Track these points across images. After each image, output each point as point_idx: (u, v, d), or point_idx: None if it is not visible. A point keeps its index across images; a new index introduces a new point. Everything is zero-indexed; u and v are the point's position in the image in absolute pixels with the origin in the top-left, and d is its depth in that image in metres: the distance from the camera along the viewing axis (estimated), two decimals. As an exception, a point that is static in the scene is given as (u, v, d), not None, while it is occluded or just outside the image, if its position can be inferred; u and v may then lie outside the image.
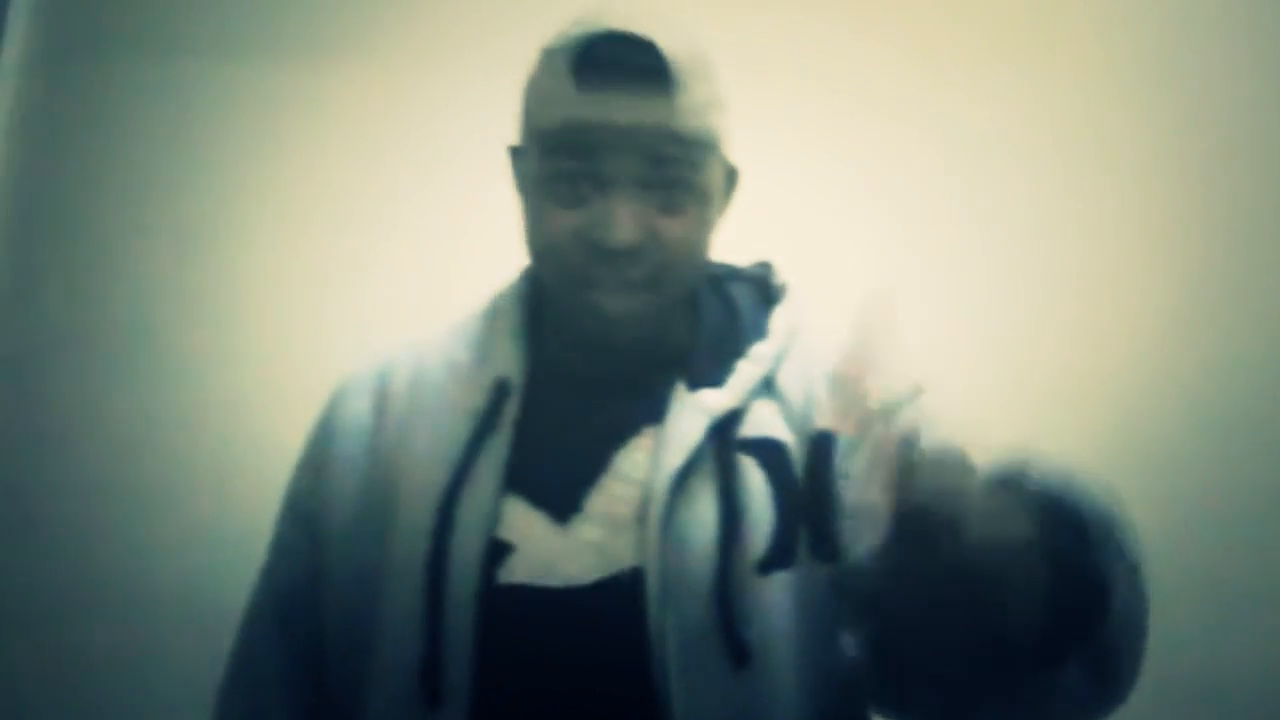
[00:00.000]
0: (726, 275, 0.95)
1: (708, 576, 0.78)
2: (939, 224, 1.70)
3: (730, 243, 0.96)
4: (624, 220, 0.80)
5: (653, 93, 0.81)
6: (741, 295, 0.95)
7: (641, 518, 0.80)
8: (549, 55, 0.85)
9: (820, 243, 1.65)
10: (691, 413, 0.84)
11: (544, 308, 0.91)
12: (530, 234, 0.87)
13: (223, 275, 1.62)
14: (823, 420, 0.87)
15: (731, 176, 0.91)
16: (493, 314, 0.93)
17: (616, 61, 0.81)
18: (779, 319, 0.92)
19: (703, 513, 0.80)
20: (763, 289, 0.96)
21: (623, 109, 0.81)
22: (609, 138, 0.81)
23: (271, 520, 0.91)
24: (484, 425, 0.83)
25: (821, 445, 0.84)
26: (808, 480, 0.84)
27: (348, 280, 1.63)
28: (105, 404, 1.56)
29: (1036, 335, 1.67)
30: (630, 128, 0.81)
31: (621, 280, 0.82)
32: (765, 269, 0.97)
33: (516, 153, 0.91)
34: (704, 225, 0.86)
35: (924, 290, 1.69)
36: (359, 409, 0.90)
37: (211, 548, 1.48)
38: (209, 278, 1.62)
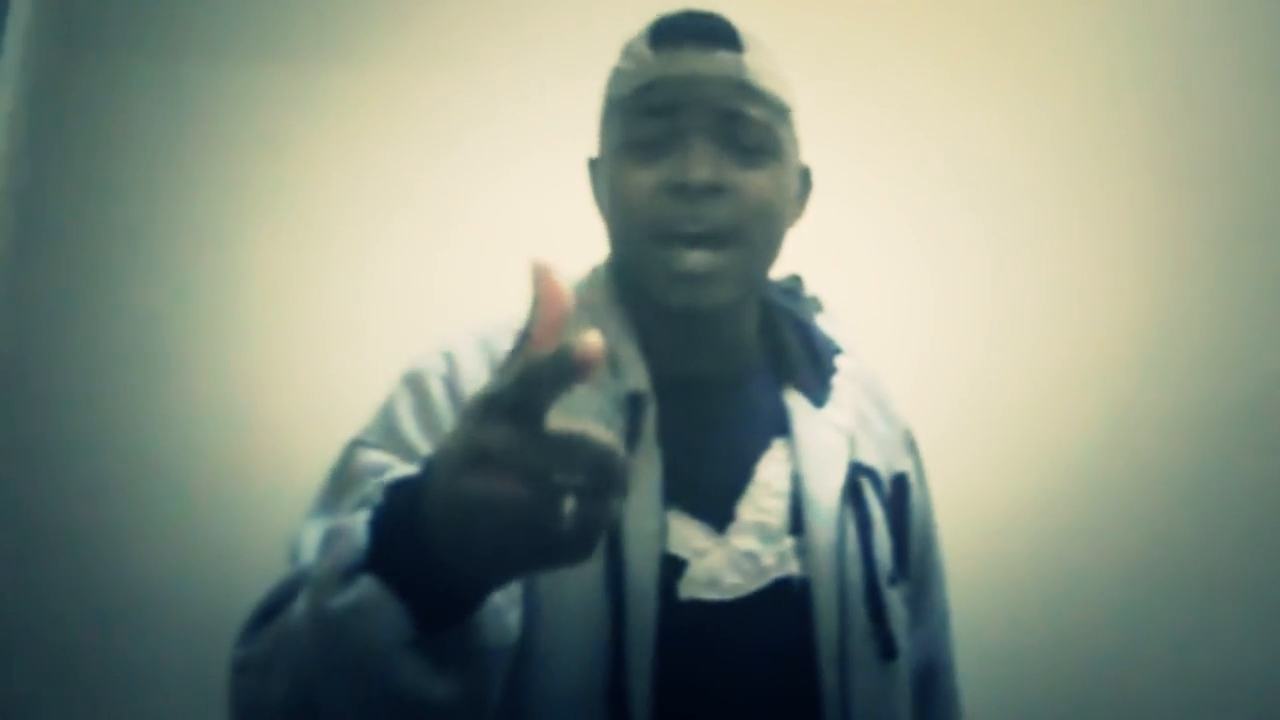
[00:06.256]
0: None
1: (860, 582, 0.84)
2: (939, 223, 1.71)
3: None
4: (702, 159, 0.83)
5: (723, 50, 0.85)
6: (789, 302, 0.99)
7: (797, 528, 0.84)
8: (627, 43, 0.90)
9: (823, 243, 1.66)
10: (826, 429, 0.90)
11: (638, 309, 0.90)
12: (613, 204, 0.88)
13: (226, 274, 1.62)
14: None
15: (806, 178, 0.94)
16: (584, 318, 0.87)
17: (688, 27, 0.87)
18: (836, 330, 0.98)
19: (848, 524, 0.86)
20: (800, 299, 1.00)
21: (695, 62, 0.85)
22: (684, 92, 0.84)
23: (282, 522, 0.89)
24: (629, 441, 0.82)
25: (900, 485, 0.94)
26: (890, 513, 0.91)
27: (349, 279, 1.63)
28: (106, 404, 1.57)
29: (1034, 332, 1.68)
30: (703, 78, 0.84)
31: (704, 227, 0.83)
32: (797, 281, 1.02)
33: (594, 165, 0.94)
34: (783, 191, 0.88)
35: (922, 290, 1.69)
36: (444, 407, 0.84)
37: (219, 551, 1.49)
38: (213, 277, 1.62)
